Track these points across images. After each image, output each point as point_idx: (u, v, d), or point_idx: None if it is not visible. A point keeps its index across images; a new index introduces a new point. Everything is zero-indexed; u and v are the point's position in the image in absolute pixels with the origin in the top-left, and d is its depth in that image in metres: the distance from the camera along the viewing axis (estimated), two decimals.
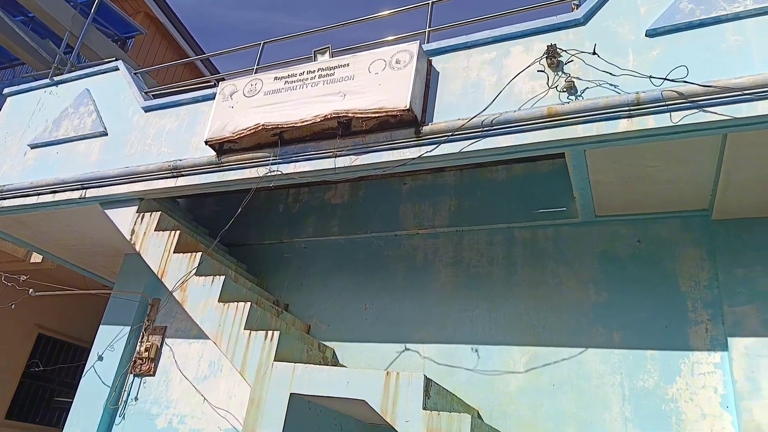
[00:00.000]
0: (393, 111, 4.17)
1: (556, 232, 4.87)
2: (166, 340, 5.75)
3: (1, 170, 6.28)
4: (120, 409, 5.50)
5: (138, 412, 5.46)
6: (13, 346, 9.08)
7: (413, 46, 4.36)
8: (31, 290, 5.66)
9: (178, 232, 5.07)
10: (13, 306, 5.93)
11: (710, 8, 3.44)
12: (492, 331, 4.67)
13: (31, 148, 6.26)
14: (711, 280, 4.13)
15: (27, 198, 5.79)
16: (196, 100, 5.60)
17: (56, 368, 9.26)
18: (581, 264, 4.66)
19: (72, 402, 5.66)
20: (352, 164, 4.38)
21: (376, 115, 4.24)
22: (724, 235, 4.16)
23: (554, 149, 3.84)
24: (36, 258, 8.28)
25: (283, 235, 6.24)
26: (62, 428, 5.56)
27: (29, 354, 9.26)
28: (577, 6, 4.31)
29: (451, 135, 4.00)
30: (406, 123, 4.21)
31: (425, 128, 4.15)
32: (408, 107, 4.10)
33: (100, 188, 5.46)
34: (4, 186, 5.96)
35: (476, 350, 4.65)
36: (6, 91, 7.10)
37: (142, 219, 5.27)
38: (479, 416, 4.36)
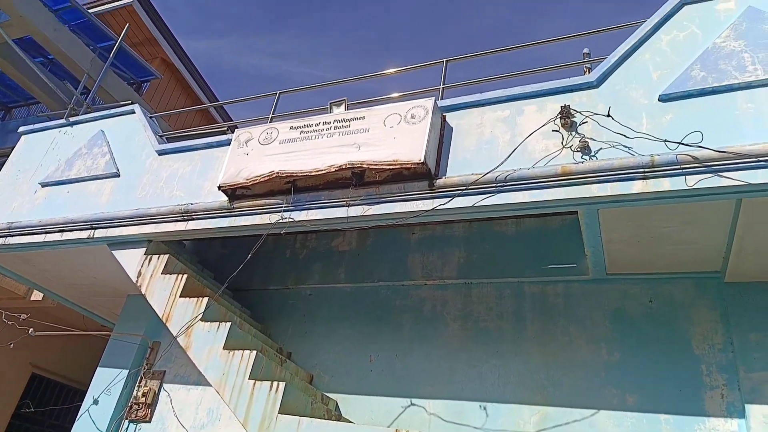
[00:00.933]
0: (407, 164, 4.20)
1: (566, 288, 4.83)
2: (165, 385, 5.58)
3: (11, 207, 6.25)
4: None
5: None
6: (4, 385, 8.79)
7: (428, 102, 4.44)
8: (31, 330, 5.53)
9: (185, 275, 5.01)
10: (12, 345, 5.78)
11: (722, 77, 3.52)
12: (501, 388, 4.55)
13: (42, 186, 6.26)
14: (725, 343, 4.06)
15: (34, 236, 5.74)
16: (210, 146, 5.65)
17: (48, 410, 8.94)
18: (592, 322, 4.59)
19: None
20: (365, 214, 4.37)
21: (391, 167, 4.27)
22: (738, 298, 4.11)
23: (568, 207, 3.85)
24: (36, 296, 8.14)
25: (289, 281, 6.17)
26: None
27: (21, 394, 8.96)
28: (590, 69, 4.42)
29: (465, 189, 4.02)
30: (420, 176, 4.24)
31: (439, 181, 4.17)
32: (422, 160, 4.13)
33: (110, 229, 5.43)
34: (12, 223, 5.92)
35: (484, 408, 4.51)
36: (21, 129, 7.17)
37: (149, 261, 5.21)
38: None
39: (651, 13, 4.03)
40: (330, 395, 5.09)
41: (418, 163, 4.14)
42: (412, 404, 4.81)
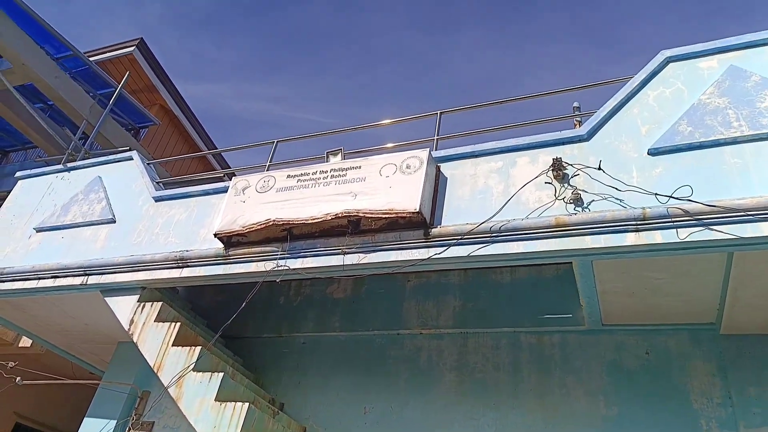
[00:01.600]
0: (403, 213, 4.25)
1: (562, 339, 4.81)
2: None
3: (4, 252, 6.22)
4: None
5: None
6: None
7: (423, 153, 4.53)
8: (18, 379, 5.40)
9: (178, 323, 4.95)
10: None
11: (708, 132, 3.64)
12: None
13: (37, 231, 6.24)
14: (724, 397, 4.02)
15: (27, 282, 5.69)
16: (206, 193, 5.69)
17: None
18: (589, 374, 4.56)
19: None
20: (360, 262, 4.38)
21: (386, 215, 4.31)
22: (734, 351, 4.10)
23: (562, 258, 3.88)
24: (25, 342, 7.97)
25: (283, 329, 6.10)
26: None
27: None
28: (580, 123, 4.55)
29: (460, 238, 4.05)
30: (416, 225, 4.28)
31: (434, 230, 4.21)
32: (417, 210, 4.18)
33: (103, 275, 5.39)
34: (4, 269, 5.87)
35: None
36: (18, 174, 7.21)
37: (142, 309, 5.16)
38: None
39: (635, 63, 4.22)
40: None
41: (413, 212, 4.19)
42: None
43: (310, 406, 5.36)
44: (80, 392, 6.80)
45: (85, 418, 5.68)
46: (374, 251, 4.36)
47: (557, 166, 3.97)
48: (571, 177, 3.95)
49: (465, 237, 4.03)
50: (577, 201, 3.80)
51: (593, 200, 3.78)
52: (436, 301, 5.51)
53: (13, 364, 5.72)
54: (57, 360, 7.29)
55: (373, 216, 4.35)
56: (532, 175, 4.11)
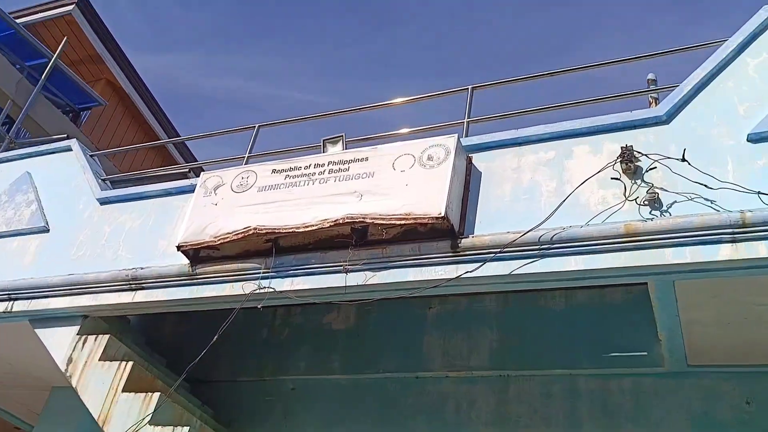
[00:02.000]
0: (423, 218, 4.24)
1: (635, 384, 4.75)
2: None
3: None
4: None
5: None
6: None
7: (450, 140, 4.53)
8: None
9: (130, 363, 4.98)
10: None
11: None
12: None
13: None
14: None
15: None
16: (167, 193, 5.73)
17: None
18: (672, 428, 4.51)
19: None
20: (368, 283, 4.39)
21: (402, 222, 4.31)
22: None
23: (634, 278, 3.88)
24: None
25: (266, 371, 6.09)
26: None
27: None
28: (657, 100, 4.53)
29: (499, 252, 4.04)
30: (440, 234, 4.27)
31: (465, 241, 4.20)
32: (443, 214, 4.18)
33: (33, 300, 5.43)
34: None
35: None
36: None
37: (83, 344, 5.19)
38: None
39: (729, 26, 4.17)
40: None
41: (437, 218, 4.18)
42: None
43: None
44: None
45: None
46: (385, 269, 4.36)
47: (627, 156, 3.95)
48: (646, 171, 3.93)
49: (505, 250, 4.01)
50: (654, 203, 3.78)
51: (675, 201, 3.76)
52: (466, 334, 5.48)
53: None
54: None
55: (384, 222, 4.35)
56: (593, 168, 4.09)
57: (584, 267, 3.80)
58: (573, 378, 4.96)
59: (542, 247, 3.93)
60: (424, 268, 4.26)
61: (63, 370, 5.12)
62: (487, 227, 4.25)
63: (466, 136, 4.84)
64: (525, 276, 3.99)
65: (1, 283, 5.60)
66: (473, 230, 4.29)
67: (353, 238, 4.49)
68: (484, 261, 4.07)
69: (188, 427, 4.50)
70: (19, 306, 5.43)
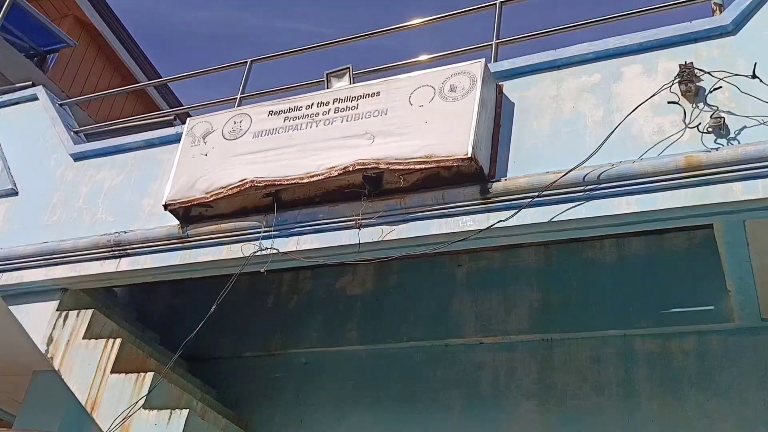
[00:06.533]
0: (447, 160, 4.21)
1: (700, 344, 4.76)
2: None
3: None
4: None
5: None
6: None
7: (475, 67, 4.45)
8: None
9: (118, 340, 5.07)
10: None
11: None
12: None
13: None
14: None
15: None
16: (150, 144, 5.74)
17: None
18: (743, 394, 4.51)
19: None
20: (385, 239, 4.39)
21: (422, 166, 4.29)
22: None
23: (697, 219, 3.82)
24: None
25: (274, 344, 6.19)
26: None
27: None
28: (721, 7, 4.39)
29: (537, 196, 4.00)
30: (467, 178, 4.25)
31: (496, 185, 4.18)
32: (469, 155, 4.14)
33: (4, 273, 5.53)
34: None
35: None
36: None
37: (65, 320, 5.28)
38: None
39: None
40: None
41: (463, 159, 4.15)
42: None
43: None
44: None
45: None
46: (405, 221, 4.36)
47: (687, 75, 3.86)
48: (709, 92, 3.84)
49: (544, 193, 3.97)
50: (720, 129, 3.71)
51: (744, 127, 3.68)
52: (502, 294, 5.50)
53: None
54: None
55: (401, 167, 4.33)
56: (647, 92, 4.00)
57: (638, 209, 3.76)
58: (628, 339, 4.98)
59: (588, 187, 3.89)
60: (449, 219, 4.25)
61: (43, 351, 5.23)
62: (522, 168, 4.21)
63: (495, 60, 4.74)
64: (568, 223, 3.97)
65: None
66: (506, 172, 4.25)
67: (366, 188, 4.48)
68: (520, 207, 4.03)
69: (188, 410, 4.56)
70: None
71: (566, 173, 3.93)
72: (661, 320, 4.90)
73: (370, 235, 4.40)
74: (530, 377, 5.14)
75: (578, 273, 5.33)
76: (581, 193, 3.91)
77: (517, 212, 4.04)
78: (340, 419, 5.57)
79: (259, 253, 4.67)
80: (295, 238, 4.64)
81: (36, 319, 5.39)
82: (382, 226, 4.39)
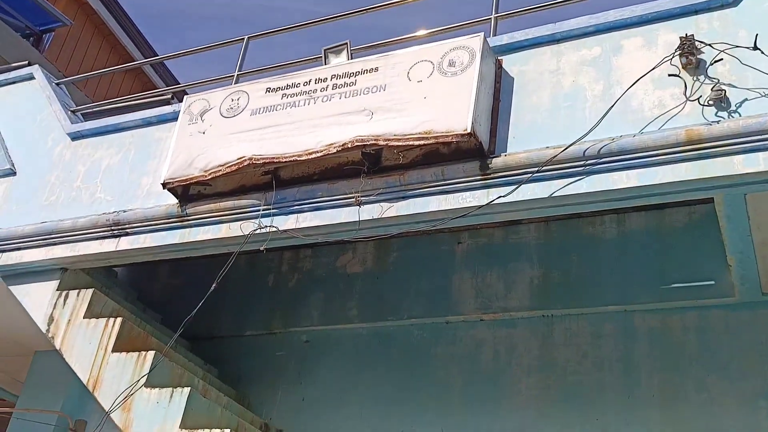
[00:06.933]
0: (446, 136, 4.20)
1: (701, 319, 4.78)
2: None
3: None
4: None
5: None
6: None
7: (475, 41, 4.42)
8: None
9: (119, 319, 5.09)
10: None
11: None
12: None
13: None
14: None
15: None
16: (147, 123, 5.73)
17: None
18: (744, 369, 4.53)
19: None
20: (384, 216, 4.39)
21: (421, 142, 4.28)
22: None
23: (698, 193, 3.81)
24: None
25: (275, 323, 6.23)
26: None
27: None
28: None
29: (537, 171, 4.00)
30: (467, 154, 4.24)
31: (496, 161, 4.17)
32: (469, 130, 4.13)
33: (3, 254, 5.54)
34: None
35: None
36: None
37: (65, 300, 5.30)
38: None
39: None
40: None
41: (462, 135, 4.14)
42: None
43: None
44: None
45: None
46: (404, 198, 4.36)
47: (688, 48, 3.83)
48: (710, 65, 3.82)
49: (544, 168, 3.97)
50: (721, 102, 3.69)
51: (746, 99, 3.66)
52: (503, 270, 5.52)
53: None
54: None
55: (400, 144, 4.32)
56: (647, 65, 3.98)
57: (639, 183, 3.75)
58: (628, 315, 5.00)
59: (588, 162, 3.88)
60: (449, 196, 4.25)
61: (44, 331, 5.26)
62: (521, 143, 4.20)
63: (494, 35, 4.71)
64: (569, 198, 3.96)
65: None
66: (505, 148, 4.24)
67: (365, 165, 4.48)
68: (520, 183, 4.03)
69: (189, 388, 4.59)
70: None
71: (566, 148, 3.92)
72: (661, 295, 4.92)
73: (370, 212, 4.41)
74: (531, 354, 5.17)
75: (579, 249, 5.34)
76: (581, 168, 3.90)
77: (517, 188, 4.03)
78: (342, 396, 5.62)
79: (258, 231, 4.68)
80: (294, 216, 4.64)
81: (36, 299, 5.41)
82: (381, 203, 4.39)
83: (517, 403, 5.05)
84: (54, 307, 5.30)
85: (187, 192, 4.99)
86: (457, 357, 5.40)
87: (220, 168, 4.80)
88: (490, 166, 4.16)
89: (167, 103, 6.17)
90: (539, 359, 5.13)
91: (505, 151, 4.21)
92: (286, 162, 4.64)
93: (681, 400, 4.64)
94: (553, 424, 4.86)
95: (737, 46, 3.75)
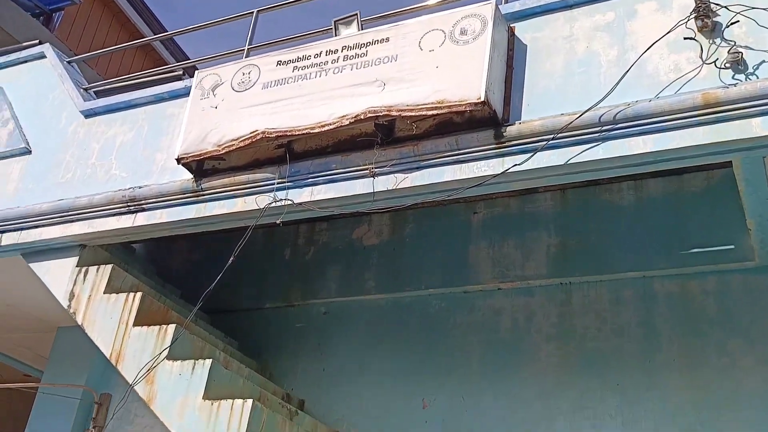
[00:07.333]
0: (459, 105, 4.19)
1: (720, 283, 4.77)
2: None
3: None
4: None
5: None
6: None
7: (486, 8, 4.39)
8: None
9: (139, 294, 5.16)
10: None
11: None
12: None
13: None
14: None
15: None
16: (159, 99, 5.75)
17: None
18: (764, 332, 4.53)
19: None
20: (399, 187, 4.40)
21: (434, 112, 4.27)
22: None
23: (715, 156, 3.79)
24: None
25: (293, 295, 6.28)
26: None
27: None
28: None
29: (552, 138, 3.99)
30: (481, 123, 4.23)
31: (510, 129, 4.16)
32: (482, 99, 4.11)
33: (23, 231, 5.60)
34: None
35: None
36: None
37: (85, 276, 5.38)
38: None
39: None
40: None
41: (476, 103, 4.12)
42: None
43: (344, 402, 5.60)
44: (16, 401, 7.27)
45: None
46: (418, 168, 4.36)
47: (703, 10, 3.77)
48: (727, 26, 3.77)
49: (559, 135, 3.95)
50: (738, 64, 3.65)
51: (763, 62, 3.61)
52: (520, 239, 5.52)
53: None
54: None
55: (413, 114, 4.32)
56: (662, 29, 3.93)
57: (655, 148, 3.73)
58: (647, 281, 4.99)
59: (604, 128, 3.86)
60: (463, 165, 4.25)
61: (65, 307, 5.33)
62: (536, 110, 4.18)
63: (506, 2, 4.66)
64: (585, 165, 3.95)
65: None
66: (520, 115, 4.22)
67: (378, 136, 4.48)
68: (535, 150, 4.02)
69: (211, 360, 4.66)
70: (8, 239, 5.62)
71: (581, 114, 3.90)
72: (680, 261, 4.92)
73: (384, 183, 4.42)
74: (549, 321, 5.19)
75: (596, 216, 5.33)
76: (597, 134, 3.89)
77: (532, 156, 4.03)
78: (362, 367, 5.69)
79: (273, 204, 4.71)
80: (309, 188, 4.66)
81: (57, 275, 5.49)
82: (395, 174, 4.40)
83: (537, 370, 5.08)
84: (74, 283, 5.37)
85: (202, 167, 5.02)
86: (476, 326, 5.43)
87: (233, 142, 4.82)
88: (504, 134, 4.14)
89: (178, 79, 6.16)
90: (558, 326, 5.15)
91: (520, 119, 4.20)
92: (299, 135, 4.65)
93: (701, 364, 4.65)
94: (572, 391, 4.90)
95: (753, 8, 3.70)
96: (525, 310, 5.31)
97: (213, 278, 4.94)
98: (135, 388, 4.75)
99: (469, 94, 4.15)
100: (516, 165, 4.06)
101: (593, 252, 5.24)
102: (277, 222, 4.80)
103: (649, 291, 4.98)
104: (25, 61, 6.63)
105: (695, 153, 3.75)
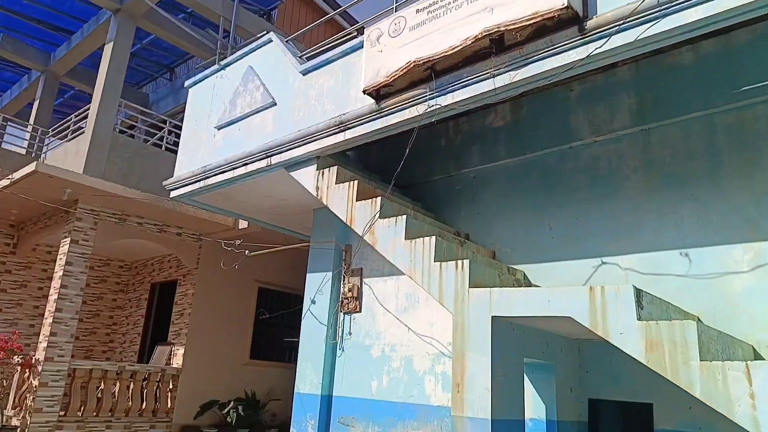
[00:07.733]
0: (549, 12, 3.89)
1: (767, 109, 4.23)
2: (364, 279, 6.31)
3: (199, 154, 7.25)
4: (338, 343, 6.29)
5: (354, 345, 6.18)
6: (244, 300, 10.84)
7: None
8: (246, 251, 6.61)
9: (356, 181, 5.43)
10: (236, 267, 6.98)
11: None
12: (702, 231, 4.32)
13: (218, 129, 7.11)
14: None
15: (224, 174, 6.64)
16: (345, 53, 5.79)
17: (278, 315, 10.82)
18: None
19: (298, 341, 6.60)
20: (513, 81, 4.23)
21: (531, 22, 4.00)
22: None
23: (757, 11, 3.27)
24: (243, 224, 9.60)
25: (450, 168, 6.33)
26: (295, 363, 6.54)
27: (255, 304, 10.96)
28: None
29: (623, 23, 3.61)
30: (567, 22, 3.91)
31: (590, 22, 3.82)
32: (566, 4, 3.79)
33: (282, 154, 6.03)
34: (205, 167, 6.91)
35: (686, 254, 4.34)
36: (187, 83, 8.10)
37: (323, 175, 5.73)
38: (700, 322, 4.11)
39: None
40: (515, 267, 5.30)
41: (561, 9, 3.82)
42: (603, 263, 4.81)
43: (494, 232, 5.67)
44: (297, 256, 8.07)
45: (307, 275, 6.81)
46: (525, 65, 4.16)
47: None
48: None
49: (627, 20, 3.57)
50: None
51: None
52: (607, 102, 5.14)
53: (239, 241, 6.98)
54: (271, 234, 8.66)
55: (515, 27, 4.08)
56: None
57: (705, 15, 3.30)
58: (709, 117, 4.53)
59: (662, 7, 3.46)
60: (558, 56, 3.99)
61: (315, 195, 5.75)
62: (608, 4, 3.78)
63: None
64: (650, 38, 3.59)
65: (260, 146, 6.21)
66: (596, 11, 3.85)
67: (493, 48, 4.29)
68: (610, 35, 3.69)
69: (405, 215, 4.89)
70: (275, 159, 6.07)
71: (643, 1, 3.49)
72: (735, 98, 4.38)
73: (502, 80, 4.26)
74: (635, 157, 4.88)
75: (663, 76, 4.82)
76: (658, 11, 3.50)
77: (608, 39, 3.72)
78: (503, 209, 5.72)
79: (428, 109, 4.72)
80: (450, 94, 4.60)
81: (306, 177, 5.88)
82: (509, 72, 4.23)
83: (628, 191, 4.86)
84: (317, 180, 5.75)
85: (379, 93, 5.09)
86: (581, 169, 5.22)
87: (396, 72, 4.82)
88: (586, 27, 3.83)
89: (354, 38, 6.15)
90: (642, 161, 4.84)
91: (596, 14, 3.84)
92: (438, 58, 4.56)
93: (758, 171, 4.22)
94: (656, 200, 4.66)
95: None
96: (616, 153, 5.02)
97: (398, 165, 5.09)
98: (364, 238, 5.11)
99: (556, 3, 3.84)
100: (597, 48, 3.77)
101: (663, 103, 4.79)
102: (434, 121, 4.81)
103: (711, 124, 4.51)
104: (261, 46, 6.91)
105: (740, 12, 3.28)
